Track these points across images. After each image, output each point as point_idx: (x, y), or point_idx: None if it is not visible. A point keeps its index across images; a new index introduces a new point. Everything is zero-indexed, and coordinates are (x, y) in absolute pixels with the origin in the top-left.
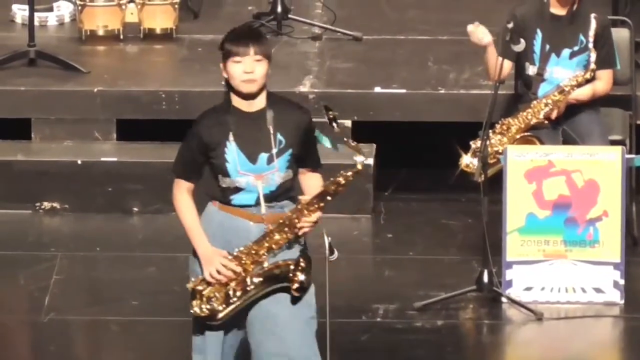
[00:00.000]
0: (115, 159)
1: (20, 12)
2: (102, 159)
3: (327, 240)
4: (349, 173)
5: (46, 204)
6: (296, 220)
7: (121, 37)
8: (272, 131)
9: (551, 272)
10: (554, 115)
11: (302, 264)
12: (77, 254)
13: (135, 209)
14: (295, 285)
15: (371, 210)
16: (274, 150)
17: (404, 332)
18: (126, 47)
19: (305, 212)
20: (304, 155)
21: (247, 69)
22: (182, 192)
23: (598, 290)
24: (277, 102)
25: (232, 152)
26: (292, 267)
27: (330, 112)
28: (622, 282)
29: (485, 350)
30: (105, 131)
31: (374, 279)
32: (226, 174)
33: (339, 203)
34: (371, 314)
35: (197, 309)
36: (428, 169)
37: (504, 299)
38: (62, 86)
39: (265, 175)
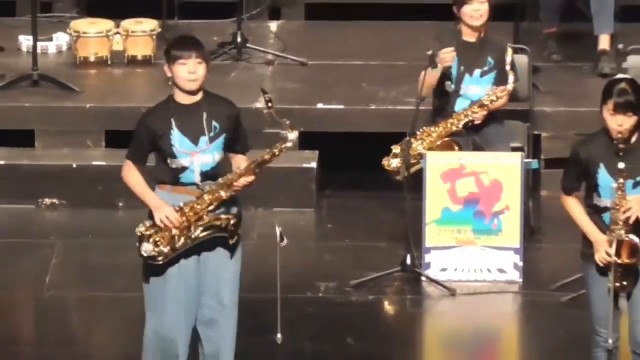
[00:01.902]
0: (104, 163)
1: (25, 42)
2: (93, 163)
3: (278, 230)
4: (283, 146)
5: (47, 200)
6: (234, 181)
7: (109, 62)
8: (206, 118)
9: (463, 256)
10: (477, 121)
11: (237, 220)
12: (73, 241)
13: (121, 204)
14: (235, 238)
15: (314, 205)
16: (211, 134)
17: (341, 305)
18: (113, 70)
19: (243, 175)
20: (235, 140)
21: (191, 70)
22: (131, 169)
23: (501, 270)
24: (211, 97)
25: (176, 137)
26: (232, 221)
27: (266, 95)
28: (520, 263)
29: (407, 320)
30: (95, 140)
31: (316, 262)
32: (174, 156)
33: (288, 200)
34: (314, 290)
35: (144, 251)
36: (363, 171)
37: (423, 278)
38: (60, 103)
39: (204, 155)
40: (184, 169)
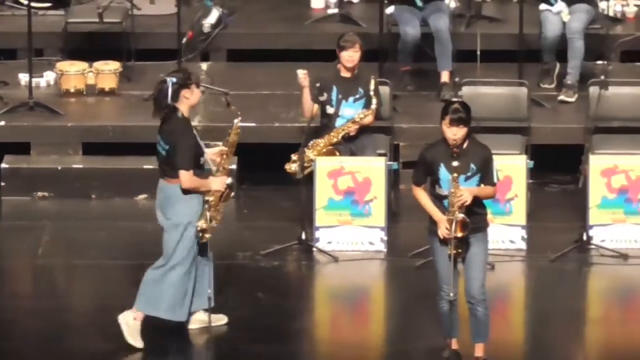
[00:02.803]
0: (81, 166)
1: (23, 78)
2: (73, 166)
3: (208, 215)
4: (234, 129)
5: (39, 194)
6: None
7: (84, 93)
8: None
9: (343, 232)
10: (352, 133)
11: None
12: (58, 223)
13: (94, 196)
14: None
15: (235, 196)
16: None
17: (255, 269)
18: (87, 99)
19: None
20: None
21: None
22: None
23: (371, 243)
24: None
25: None
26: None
27: (227, 97)
28: (385, 238)
29: (303, 279)
30: (75, 149)
31: (237, 237)
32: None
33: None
34: (235, 258)
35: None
36: (271, 171)
37: (314, 249)
38: (49, 123)
39: None
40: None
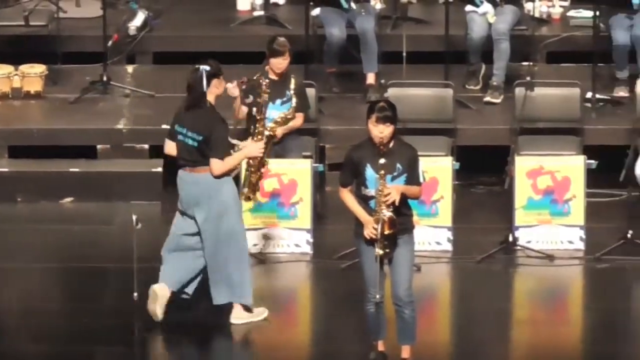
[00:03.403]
0: (7, 169)
1: None
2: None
3: (134, 217)
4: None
5: None
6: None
7: (10, 96)
8: None
9: (269, 235)
10: (278, 135)
11: None
12: None
13: (20, 199)
14: None
15: (161, 199)
16: None
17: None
18: (13, 102)
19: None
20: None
21: None
22: None
23: (297, 245)
24: None
25: None
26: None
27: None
28: (311, 240)
29: None
30: (1, 153)
31: (162, 240)
32: None
33: (141, 195)
34: (161, 260)
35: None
36: None
37: None
38: None
39: None
40: None
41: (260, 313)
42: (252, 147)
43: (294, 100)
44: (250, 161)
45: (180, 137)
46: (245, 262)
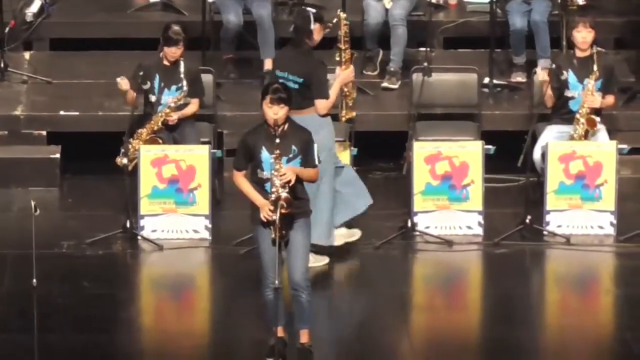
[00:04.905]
0: None
1: None
2: None
3: (32, 203)
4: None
5: None
6: None
7: None
8: None
9: (168, 220)
10: (174, 120)
11: None
12: None
13: None
14: None
15: (58, 185)
16: None
17: (79, 258)
18: None
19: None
20: None
21: None
22: None
23: (195, 231)
24: None
25: None
26: None
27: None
28: (210, 225)
29: (128, 267)
30: None
31: (61, 226)
32: None
33: (39, 181)
34: (60, 247)
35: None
36: (95, 160)
37: (139, 237)
38: None
39: None
40: None
41: (321, 260)
42: (344, 74)
43: (184, 83)
44: (344, 88)
45: (282, 81)
46: (331, 202)
